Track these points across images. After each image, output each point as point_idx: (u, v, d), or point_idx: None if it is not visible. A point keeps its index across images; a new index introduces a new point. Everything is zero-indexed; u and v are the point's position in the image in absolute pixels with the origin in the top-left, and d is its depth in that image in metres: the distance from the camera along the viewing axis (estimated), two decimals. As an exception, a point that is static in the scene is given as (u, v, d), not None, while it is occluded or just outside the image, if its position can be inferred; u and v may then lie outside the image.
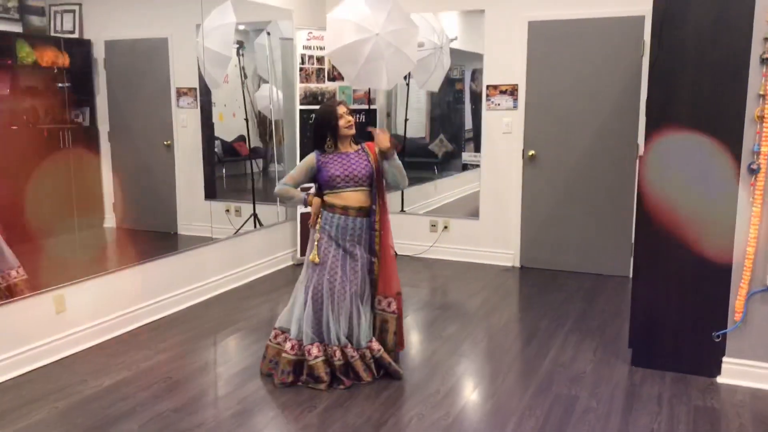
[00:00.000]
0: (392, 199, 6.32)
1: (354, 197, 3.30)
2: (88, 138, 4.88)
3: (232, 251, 5.36)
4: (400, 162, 3.28)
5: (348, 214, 3.29)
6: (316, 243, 3.27)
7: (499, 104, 5.67)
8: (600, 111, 5.42)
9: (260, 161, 6.20)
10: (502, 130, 5.72)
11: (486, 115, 5.75)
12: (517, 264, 5.84)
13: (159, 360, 3.88)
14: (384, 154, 3.26)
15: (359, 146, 3.42)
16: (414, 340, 4.20)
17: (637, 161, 5.04)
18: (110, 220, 5.01)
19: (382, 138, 3.19)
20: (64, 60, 4.57)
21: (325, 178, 3.31)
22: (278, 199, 3.39)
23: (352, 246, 3.32)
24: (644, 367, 3.71)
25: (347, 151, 3.35)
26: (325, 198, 3.31)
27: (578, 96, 5.46)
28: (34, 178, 4.21)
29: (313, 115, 3.40)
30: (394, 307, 3.32)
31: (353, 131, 3.36)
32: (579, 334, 4.24)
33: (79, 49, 4.57)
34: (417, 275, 5.63)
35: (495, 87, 5.69)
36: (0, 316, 3.67)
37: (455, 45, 5.97)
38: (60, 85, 4.65)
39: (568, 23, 5.38)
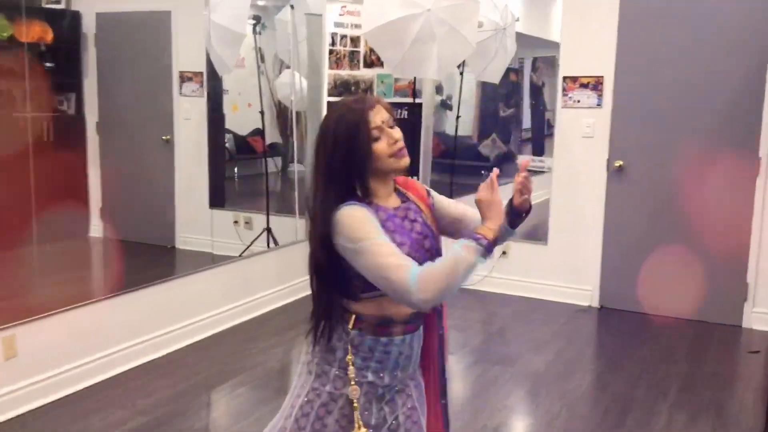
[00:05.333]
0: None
1: None
2: (74, 129, 4.92)
3: (239, 276, 5.11)
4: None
5: (401, 330, 1.98)
6: (356, 406, 1.94)
7: (578, 101, 5.38)
8: (712, 113, 5.01)
9: (279, 160, 6.19)
10: (582, 133, 5.41)
11: (561, 114, 5.46)
12: (596, 303, 5.53)
13: (137, 425, 3.51)
14: (515, 215, 1.98)
15: (396, 191, 2.04)
16: (466, 411, 3.75)
17: (757, 180, 4.86)
18: (97, 229, 5.06)
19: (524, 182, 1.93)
20: (47, 35, 4.58)
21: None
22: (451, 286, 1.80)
23: (403, 383, 2.03)
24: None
25: (387, 205, 1.96)
26: (358, 308, 1.92)
27: (683, 92, 5.06)
28: (8, 177, 4.19)
29: (320, 127, 1.96)
30: None
31: (406, 160, 1.93)
32: (688, 408, 3.83)
33: (66, 22, 4.60)
34: (468, 313, 5.33)
35: (574, 79, 5.38)
36: None
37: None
38: (42, 65, 4.66)
39: (671, -1, 5.11)
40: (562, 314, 5.34)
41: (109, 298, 4.09)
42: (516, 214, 1.93)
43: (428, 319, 2.03)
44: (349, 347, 1.90)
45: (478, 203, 1.82)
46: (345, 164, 1.83)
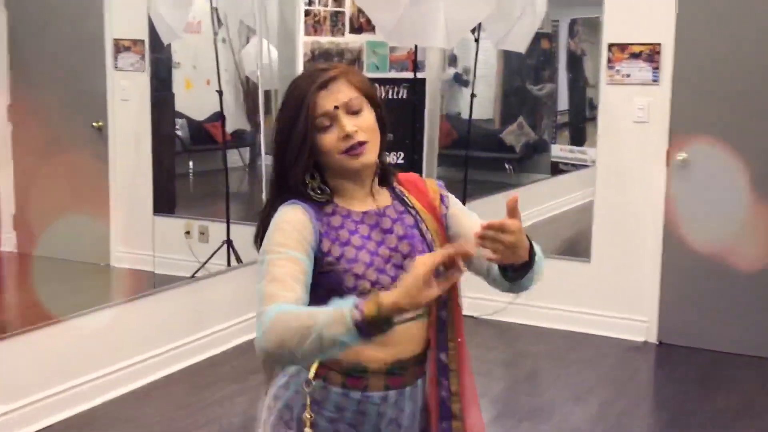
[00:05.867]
0: None
1: (404, 335, 1.94)
2: None
3: (190, 303, 5.12)
4: (538, 247, 1.98)
5: (380, 384, 1.97)
6: None
7: (628, 75, 5.40)
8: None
9: (247, 151, 6.34)
10: (633, 117, 5.42)
11: (606, 92, 5.49)
12: (653, 338, 5.53)
13: None
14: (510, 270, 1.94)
15: (392, 191, 2.04)
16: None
17: None
18: (8, 242, 5.13)
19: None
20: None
21: (333, 283, 1.91)
22: (274, 363, 1.97)
23: None
24: None
25: (354, 207, 1.98)
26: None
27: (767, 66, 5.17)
28: None
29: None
30: None
31: (362, 159, 1.93)
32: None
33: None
34: (489, 352, 5.31)
35: (622, 47, 5.40)
36: None
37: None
38: None
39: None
40: (610, 353, 5.36)
41: (15, 335, 4.07)
42: (511, 267, 1.86)
43: (435, 367, 1.98)
44: (308, 402, 1.88)
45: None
46: (284, 154, 1.88)
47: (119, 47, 5.12)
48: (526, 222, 5.10)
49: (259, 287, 1.74)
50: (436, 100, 6.24)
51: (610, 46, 5.41)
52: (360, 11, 5.65)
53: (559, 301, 5.73)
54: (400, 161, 5.67)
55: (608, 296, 5.60)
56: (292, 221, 1.83)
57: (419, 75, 5.83)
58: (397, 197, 1.98)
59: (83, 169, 5.19)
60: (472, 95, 6.25)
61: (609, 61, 5.43)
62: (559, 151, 6.52)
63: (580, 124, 6.43)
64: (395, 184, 2.00)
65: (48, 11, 5.14)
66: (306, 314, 1.64)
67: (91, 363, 4.40)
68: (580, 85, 6.42)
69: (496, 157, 6.77)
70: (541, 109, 6.69)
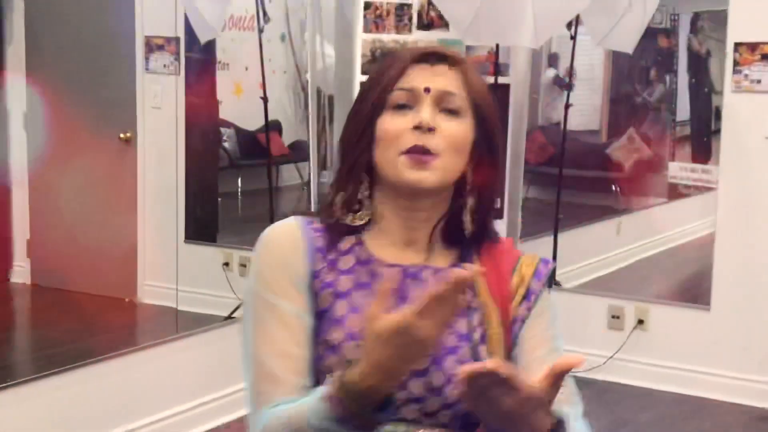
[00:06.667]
0: (529, 252, 6.02)
1: None
2: None
3: (222, 352, 4.83)
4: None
5: None
6: None
7: (758, 81, 5.20)
8: None
9: (306, 165, 6.23)
10: (765, 132, 5.21)
11: (731, 101, 5.30)
12: None
13: None
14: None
15: (455, 254, 1.70)
16: None
17: None
18: (22, 273, 5.24)
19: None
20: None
21: (326, 352, 1.67)
22: None
23: None
24: None
25: (384, 256, 1.67)
26: None
27: None
28: None
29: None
30: None
31: (432, 176, 1.60)
32: None
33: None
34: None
35: (752, 47, 5.22)
36: None
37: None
38: None
39: None
40: (735, 422, 5.06)
41: (24, 382, 3.92)
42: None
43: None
44: None
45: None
46: (344, 140, 1.64)
47: (151, 46, 5.13)
48: (636, 257, 5.49)
49: (253, 352, 1.57)
50: (522, 109, 5.95)
51: (737, 45, 5.18)
52: (430, 4, 5.42)
53: (671, 357, 5.47)
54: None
55: (732, 352, 5.29)
56: (284, 251, 1.61)
57: (501, 80, 5.62)
58: (459, 261, 1.62)
59: (108, 188, 5.27)
60: (567, 104, 6.08)
61: (736, 63, 5.20)
62: (678, 169, 6.44)
63: (704, 137, 6.34)
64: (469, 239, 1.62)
65: (71, 4, 5.27)
66: (296, 414, 1.48)
67: (99, 424, 4.19)
68: (704, 91, 6.40)
69: (599, 177, 6.75)
70: (656, 120, 6.78)
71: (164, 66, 5.12)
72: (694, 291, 5.69)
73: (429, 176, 1.50)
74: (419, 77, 1.54)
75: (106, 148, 5.22)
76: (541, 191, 6.27)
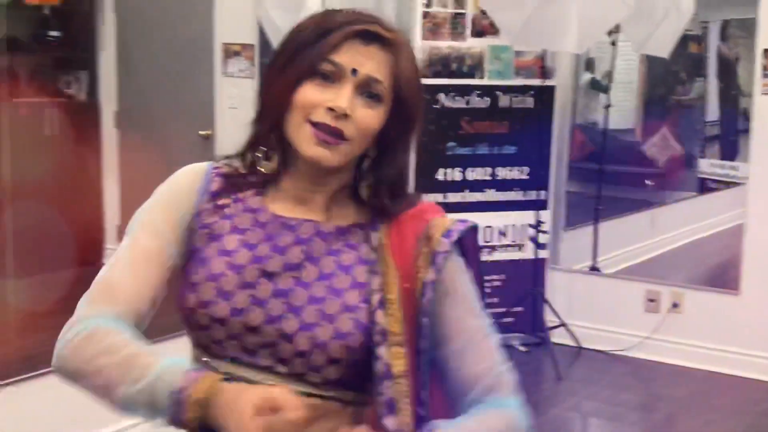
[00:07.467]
0: (572, 240, 6.13)
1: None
2: (85, 121, 5.15)
3: None
4: None
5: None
6: None
7: None
8: None
9: None
10: None
11: (761, 103, 5.37)
12: None
13: None
14: None
15: (363, 215, 1.57)
16: None
17: None
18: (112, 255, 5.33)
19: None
20: (51, -5, 4.86)
21: (186, 290, 1.52)
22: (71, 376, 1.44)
23: None
24: None
25: (311, 217, 1.53)
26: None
27: None
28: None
29: None
30: None
31: (332, 157, 1.46)
32: None
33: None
34: (620, 394, 5.18)
35: None
36: None
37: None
38: (46, 34, 4.97)
39: None
40: (762, 398, 5.16)
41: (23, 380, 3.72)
42: None
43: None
44: None
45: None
46: (268, 92, 1.52)
47: (228, 52, 5.20)
48: (669, 246, 5.46)
49: (98, 276, 1.51)
50: (566, 110, 6.18)
51: (766, 51, 5.28)
52: (483, 13, 5.60)
53: (703, 337, 5.61)
54: (524, 176, 5.59)
55: (759, 333, 5.42)
56: (176, 190, 1.57)
57: (548, 82, 5.79)
58: (365, 226, 1.54)
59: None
60: (607, 105, 6.19)
61: (765, 68, 5.30)
62: (708, 166, 6.52)
63: (732, 136, 6.42)
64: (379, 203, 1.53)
65: (156, 15, 5.30)
66: (131, 362, 1.39)
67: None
68: (732, 93, 6.44)
69: (635, 172, 6.76)
70: (687, 120, 6.76)
71: (240, 70, 5.23)
72: (724, 277, 5.69)
73: (331, 157, 1.43)
74: (349, 54, 1.44)
75: (187, 143, 5.30)
76: (579, 185, 6.26)
